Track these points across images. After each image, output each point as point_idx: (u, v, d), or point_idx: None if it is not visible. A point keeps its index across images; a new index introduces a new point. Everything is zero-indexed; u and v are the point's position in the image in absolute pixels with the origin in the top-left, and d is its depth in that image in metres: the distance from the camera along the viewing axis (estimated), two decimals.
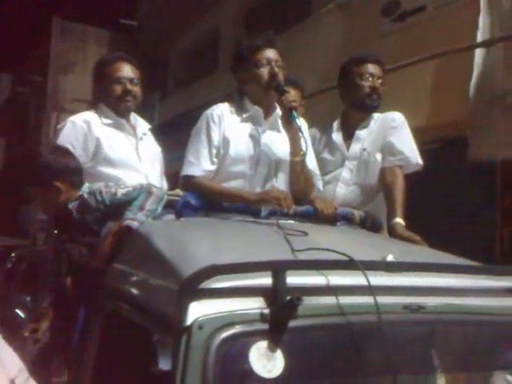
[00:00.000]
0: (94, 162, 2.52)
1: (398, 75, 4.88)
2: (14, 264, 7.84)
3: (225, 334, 1.31)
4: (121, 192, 2.12)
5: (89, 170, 2.45)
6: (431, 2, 5.36)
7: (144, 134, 2.77)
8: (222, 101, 2.57)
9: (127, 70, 2.67)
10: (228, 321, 1.33)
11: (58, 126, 2.69)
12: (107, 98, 2.67)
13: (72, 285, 2.23)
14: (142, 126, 2.79)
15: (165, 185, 2.78)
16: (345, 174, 2.71)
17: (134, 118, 2.77)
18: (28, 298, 5.80)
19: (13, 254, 8.15)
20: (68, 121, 2.64)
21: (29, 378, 1.36)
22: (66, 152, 2.34)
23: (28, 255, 7.51)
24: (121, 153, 2.60)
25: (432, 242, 2.26)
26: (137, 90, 2.69)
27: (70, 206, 2.18)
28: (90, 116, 2.67)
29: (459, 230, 4.18)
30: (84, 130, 2.58)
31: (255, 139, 2.46)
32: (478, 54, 4.54)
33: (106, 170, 2.54)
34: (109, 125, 2.65)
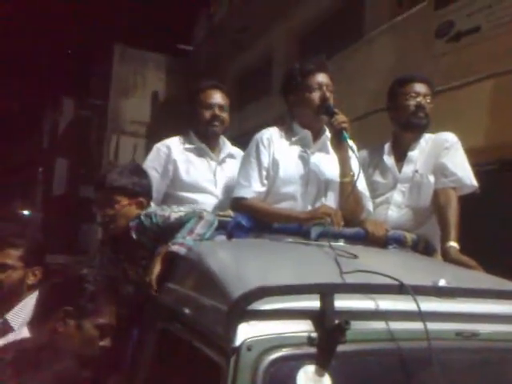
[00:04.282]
0: (172, 185, 2.64)
1: (453, 96, 4.80)
2: None
3: (273, 356, 1.32)
4: (173, 216, 2.18)
5: (169, 192, 2.58)
6: (486, 22, 5.27)
7: (230, 157, 2.88)
8: (273, 124, 2.62)
9: (217, 97, 2.82)
10: (276, 343, 1.34)
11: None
12: (197, 123, 2.83)
13: (127, 304, 2.30)
14: (227, 149, 2.89)
15: None
16: (397, 196, 2.67)
17: (223, 141, 2.90)
18: None
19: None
20: (154, 147, 2.85)
21: None
22: (145, 173, 2.46)
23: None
24: (196, 177, 2.73)
25: (489, 268, 2.19)
26: (225, 116, 2.84)
27: (131, 224, 2.25)
28: (173, 141, 2.85)
29: None
30: (166, 154, 2.77)
31: (304, 160, 2.48)
32: None
33: (182, 193, 2.69)
34: (190, 149, 2.81)
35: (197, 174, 2.73)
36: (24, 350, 1.24)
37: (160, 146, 2.82)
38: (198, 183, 2.71)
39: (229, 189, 2.75)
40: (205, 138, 2.82)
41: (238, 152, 2.95)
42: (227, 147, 2.90)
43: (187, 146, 2.81)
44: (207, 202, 2.65)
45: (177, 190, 2.68)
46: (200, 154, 2.80)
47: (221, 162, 2.84)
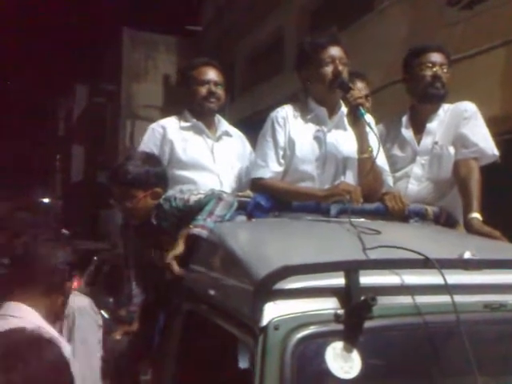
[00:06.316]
0: (169, 165, 2.62)
1: (468, 64, 4.71)
2: (96, 267, 8.24)
3: (300, 335, 1.33)
4: (193, 199, 2.18)
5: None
6: None
7: (226, 135, 2.84)
8: (286, 102, 2.59)
9: (211, 74, 2.77)
10: (303, 321, 1.34)
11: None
12: (192, 100, 2.78)
13: (153, 288, 2.33)
14: (223, 127, 2.86)
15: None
16: (416, 169, 2.63)
17: (218, 119, 2.86)
18: (111, 300, 6.05)
19: (95, 258, 8.56)
20: (149, 128, 2.80)
21: None
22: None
23: (109, 259, 7.85)
24: (193, 155, 2.68)
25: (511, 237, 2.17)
26: (220, 92, 2.78)
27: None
28: (168, 121, 2.80)
29: None
30: (161, 134, 2.72)
31: (320, 140, 2.44)
32: None
33: (179, 172, 2.64)
34: (186, 128, 2.76)
35: (194, 152, 2.69)
36: (13, 342, 1.17)
37: (155, 127, 2.77)
38: (196, 161, 2.67)
39: (227, 166, 2.73)
40: (200, 115, 2.77)
41: (234, 130, 2.92)
42: (223, 125, 2.86)
43: (183, 124, 2.77)
44: (207, 180, 2.61)
45: (175, 170, 2.62)
46: (196, 131, 2.76)
47: (217, 139, 2.79)
